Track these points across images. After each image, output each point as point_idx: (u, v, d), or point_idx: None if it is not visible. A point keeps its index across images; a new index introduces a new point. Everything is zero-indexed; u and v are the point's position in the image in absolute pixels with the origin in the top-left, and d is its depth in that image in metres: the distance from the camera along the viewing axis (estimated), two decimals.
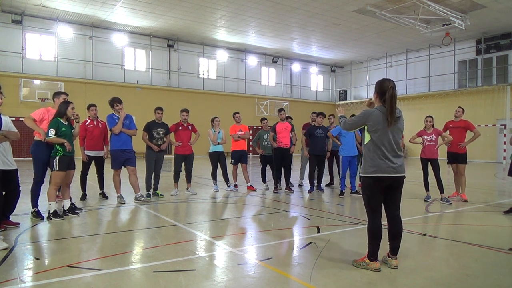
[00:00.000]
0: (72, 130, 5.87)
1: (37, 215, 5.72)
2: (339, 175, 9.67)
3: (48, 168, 5.79)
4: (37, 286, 3.24)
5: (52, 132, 5.50)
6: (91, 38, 21.89)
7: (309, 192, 8.75)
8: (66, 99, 6.12)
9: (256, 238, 4.96)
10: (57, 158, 5.56)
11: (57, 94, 6.25)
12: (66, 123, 5.74)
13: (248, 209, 7.04)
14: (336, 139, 8.49)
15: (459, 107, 8.08)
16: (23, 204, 6.52)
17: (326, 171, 10.01)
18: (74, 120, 5.99)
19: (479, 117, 21.25)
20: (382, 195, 3.68)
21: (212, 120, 9.07)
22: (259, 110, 27.63)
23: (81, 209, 6.41)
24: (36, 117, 5.83)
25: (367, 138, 3.72)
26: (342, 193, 8.30)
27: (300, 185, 9.93)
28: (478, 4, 17.49)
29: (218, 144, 8.90)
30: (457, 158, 7.80)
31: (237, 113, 9.35)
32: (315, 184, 8.95)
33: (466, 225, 5.88)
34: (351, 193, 8.53)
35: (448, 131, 7.97)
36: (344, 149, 8.37)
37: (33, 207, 5.79)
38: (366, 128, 3.71)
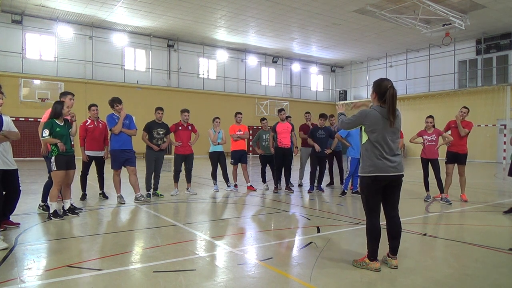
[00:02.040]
0: (70, 130, 5.84)
1: (47, 209, 5.87)
2: (340, 175, 9.70)
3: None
4: (37, 286, 3.24)
5: (46, 133, 5.52)
6: (91, 38, 21.89)
7: (309, 191, 8.76)
8: (72, 99, 6.17)
9: (256, 238, 4.96)
10: (53, 158, 5.55)
11: (63, 94, 6.28)
12: (62, 124, 5.71)
13: (248, 209, 7.04)
14: (345, 140, 8.45)
15: (465, 107, 7.84)
16: (23, 204, 6.54)
17: (326, 171, 10.02)
18: (71, 119, 5.97)
19: (479, 117, 21.25)
20: (381, 194, 3.69)
21: (213, 120, 9.07)
22: (259, 110, 27.63)
23: (81, 209, 6.41)
24: (45, 120, 5.90)
25: (364, 138, 3.73)
26: (344, 193, 8.30)
27: (300, 185, 9.93)
28: (478, 4, 17.48)
29: (218, 144, 8.90)
30: (458, 158, 7.73)
31: (240, 113, 9.33)
32: (316, 184, 8.96)
33: (466, 225, 5.88)
34: (352, 192, 8.52)
35: (450, 130, 7.87)
36: (354, 150, 8.24)
37: (42, 202, 6.02)
38: (363, 128, 3.72)
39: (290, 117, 9.81)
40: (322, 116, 8.88)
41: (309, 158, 9.27)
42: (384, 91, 3.60)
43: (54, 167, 5.57)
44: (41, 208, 6.19)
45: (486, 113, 21.88)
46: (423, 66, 25.78)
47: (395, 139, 3.68)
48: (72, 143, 5.98)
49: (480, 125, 20.85)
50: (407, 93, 26.45)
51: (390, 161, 3.60)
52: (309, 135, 8.94)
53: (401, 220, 3.77)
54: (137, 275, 3.52)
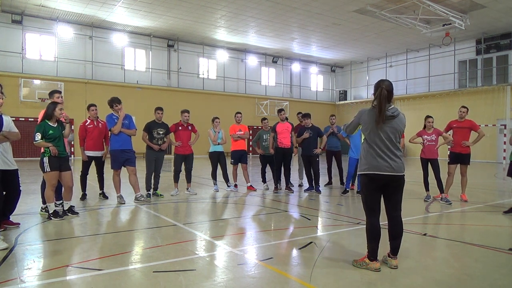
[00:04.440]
0: (63, 131, 5.76)
1: (46, 212, 5.79)
2: (339, 175, 9.73)
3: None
4: (37, 286, 3.24)
5: (38, 136, 5.44)
6: (91, 38, 21.88)
7: (305, 191, 8.77)
8: (59, 97, 6.11)
9: (256, 238, 4.96)
10: (46, 158, 5.49)
11: (50, 93, 6.26)
12: (55, 125, 5.63)
13: (248, 209, 7.04)
14: (347, 139, 8.59)
15: (464, 106, 7.84)
16: (23, 204, 6.54)
17: (324, 171, 10.02)
18: (65, 120, 5.88)
19: (479, 117, 21.20)
20: (379, 194, 3.69)
21: (213, 120, 9.06)
22: (259, 110, 27.63)
23: (77, 213, 6.12)
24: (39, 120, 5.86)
25: (362, 137, 3.77)
26: (345, 191, 8.34)
27: (300, 185, 9.93)
28: (478, 4, 17.48)
29: (218, 144, 8.90)
30: (461, 158, 7.67)
31: (239, 113, 9.32)
32: (313, 184, 8.87)
33: (466, 225, 5.88)
34: (357, 192, 8.52)
35: (451, 131, 7.84)
36: (352, 150, 8.40)
37: (43, 203, 5.90)
38: (360, 127, 3.76)
39: (287, 118, 9.79)
40: (305, 116, 8.86)
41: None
42: (377, 90, 3.62)
43: (47, 168, 5.49)
44: (44, 210, 6.02)
45: (486, 113, 21.87)
46: (423, 66, 25.77)
47: (394, 138, 3.66)
48: (72, 143, 5.94)
49: (480, 125, 20.77)
50: (407, 93, 26.44)
51: (386, 160, 3.59)
52: (297, 136, 8.93)
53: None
54: (137, 275, 3.52)
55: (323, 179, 10.49)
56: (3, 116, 4.83)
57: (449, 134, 7.88)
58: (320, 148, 8.83)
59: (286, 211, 6.78)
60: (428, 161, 7.71)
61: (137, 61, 23.80)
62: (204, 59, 26.04)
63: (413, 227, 5.41)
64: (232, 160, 9.26)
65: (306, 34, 23.21)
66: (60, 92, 6.31)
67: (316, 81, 32.07)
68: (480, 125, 8.13)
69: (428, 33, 20.18)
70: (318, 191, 8.65)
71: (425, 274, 3.55)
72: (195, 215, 6.42)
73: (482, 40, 22.62)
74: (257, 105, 27.73)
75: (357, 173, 3.80)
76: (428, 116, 7.79)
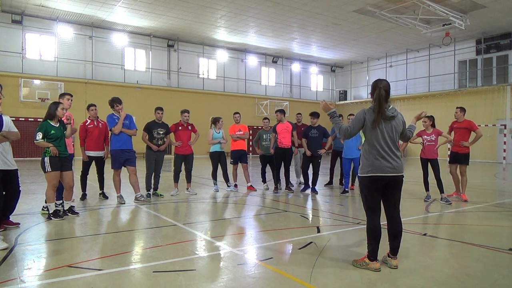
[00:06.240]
0: (64, 132, 5.75)
1: (47, 211, 5.80)
2: (341, 175, 9.79)
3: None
4: (37, 286, 3.24)
5: (39, 136, 5.43)
6: (91, 38, 21.88)
7: (301, 191, 8.79)
8: (70, 100, 6.18)
9: (256, 238, 4.96)
10: (47, 158, 5.48)
11: (61, 95, 6.33)
12: (57, 125, 5.62)
13: (248, 209, 7.04)
14: (341, 140, 8.65)
15: (457, 107, 8.02)
16: (23, 204, 6.54)
17: (325, 170, 10.02)
18: (67, 120, 5.88)
19: (479, 117, 21.23)
20: (380, 194, 3.69)
21: (218, 121, 9.00)
22: (259, 110, 27.63)
23: (77, 213, 6.13)
24: None
25: (363, 138, 3.76)
26: (344, 192, 8.41)
27: (300, 183, 9.91)
28: (478, 4, 17.48)
29: (219, 143, 8.85)
30: (458, 158, 7.77)
31: (237, 113, 9.32)
32: (310, 185, 8.82)
33: (466, 225, 5.88)
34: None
35: (453, 131, 7.95)
36: (345, 150, 8.51)
37: (46, 203, 5.86)
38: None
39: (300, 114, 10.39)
40: (313, 114, 8.77)
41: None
42: (374, 90, 3.61)
43: (48, 168, 5.49)
44: (45, 209, 6.02)
45: (486, 113, 21.87)
46: (423, 66, 25.77)
47: (394, 139, 3.67)
48: (73, 143, 5.94)
49: (480, 125, 20.79)
50: (407, 93, 26.44)
51: (388, 161, 3.60)
52: (302, 136, 8.82)
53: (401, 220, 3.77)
54: (137, 275, 3.52)
55: (324, 179, 10.52)
56: (2, 116, 4.83)
57: (448, 134, 7.96)
58: (324, 148, 8.70)
59: (286, 211, 6.77)
60: (428, 161, 7.72)
61: (137, 61, 23.80)
62: (204, 59, 26.04)
63: (413, 227, 5.41)
64: (231, 160, 9.26)
65: (306, 34, 23.21)
66: (70, 95, 6.34)
67: (316, 81, 32.06)
68: (479, 125, 8.19)
69: (428, 33, 20.17)
70: (315, 192, 8.61)
71: (425, 274, 3.55)
72: (195, 215, 6.42)
73: (482, 40, 22.62)
74: (257, 105, 27.73)
75: (359, 174, 3.79)
76: (426, 117, 7.80)
